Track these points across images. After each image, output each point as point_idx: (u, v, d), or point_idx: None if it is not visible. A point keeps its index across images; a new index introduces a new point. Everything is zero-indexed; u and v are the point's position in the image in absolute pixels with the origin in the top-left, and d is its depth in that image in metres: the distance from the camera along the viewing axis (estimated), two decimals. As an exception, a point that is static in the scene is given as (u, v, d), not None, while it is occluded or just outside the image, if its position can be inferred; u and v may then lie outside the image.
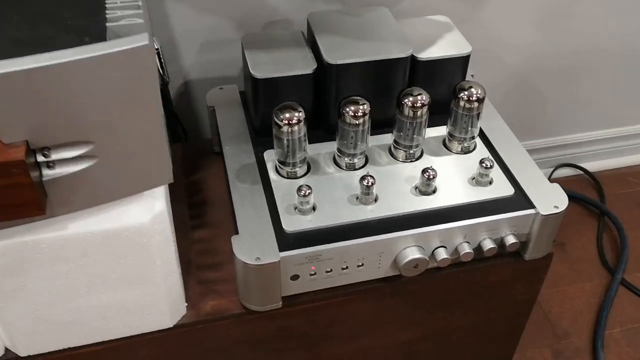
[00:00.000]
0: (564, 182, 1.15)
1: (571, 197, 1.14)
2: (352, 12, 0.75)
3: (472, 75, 0.84)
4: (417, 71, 0.71)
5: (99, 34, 0.43)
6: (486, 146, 0.71)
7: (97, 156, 0.45)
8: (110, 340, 0.60)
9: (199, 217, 0.73)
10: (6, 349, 0.59)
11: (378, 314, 0.69)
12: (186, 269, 0.67)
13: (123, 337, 0.61)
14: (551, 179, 1.16)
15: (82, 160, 0.45)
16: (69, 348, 0.60)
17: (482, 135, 0.73)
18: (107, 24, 0.44)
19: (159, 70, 0.77)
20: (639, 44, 1.04)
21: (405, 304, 0.69)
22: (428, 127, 0.71)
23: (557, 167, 1.17)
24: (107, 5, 0.46)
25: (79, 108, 0.42)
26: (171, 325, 0.61)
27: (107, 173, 0.46)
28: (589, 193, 1.14)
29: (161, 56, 0.77)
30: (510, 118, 1.08)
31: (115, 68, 0.42)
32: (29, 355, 0.59)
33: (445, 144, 0.71)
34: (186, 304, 0.63)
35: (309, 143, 0.70)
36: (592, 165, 1.19)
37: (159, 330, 0.61)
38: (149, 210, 0.52)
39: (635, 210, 1.11)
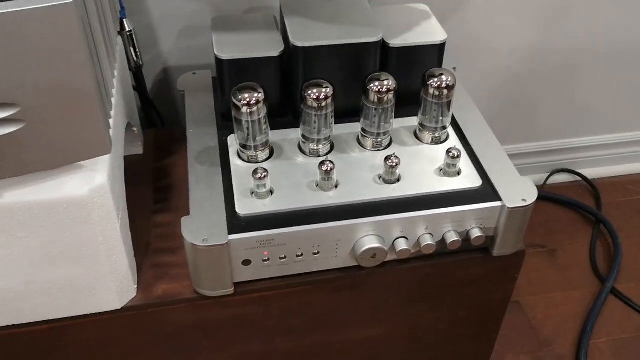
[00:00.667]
0: (560, 188, 1.12)
1: (565, 203, 1.10)
2: (327, -2, 0.73)
3: (454, 68, 0.82)
4: (389, 58, 0.69)
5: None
6: (459, 137, 0.69)
7: (24, 120, 0.44)
8: (55, 320, 0.59)
9: (163, 201, 0.71)
10: (-51, 324, 0.58)
11: (338, 308, 0.66)
12: (143, 252, 0.65)
13: (69, 317, 0.59)
14: (547, 185, 1.12)
15: (7, 124, 0.43)
16: (12, 325, 0.58)
17: (457, 127, 0.71)
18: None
19: (131, 53, 0.76)
20: (633, 47, 1.01)
21: (367, 298, 0.66)
22: (401, 117, 0.69)
23: (553, 172, 1.13)
24: (42, -33, 0.45)
25: (3, 68, 0.41)
26: (119, 307, 0.59)
27: (37, 139, 0.45)
28: (585, 200, 1.10)
29: (134, 39, 0.76)
30: (505, 120, 1.05)
31: (37, 25, 0.40)
32: (-31, 331, 0.58)
33: (417, 135, 0.68)
34: (136, 287, 0.61)
35: (278, 129, 0.68)
36: (590, 172, 1.15)
37: (107, 312, 0.60)
38: (89, 183, 0.50)
39: (632, 219, 1.07)
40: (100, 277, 0.56)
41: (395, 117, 0.68)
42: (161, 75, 0.87)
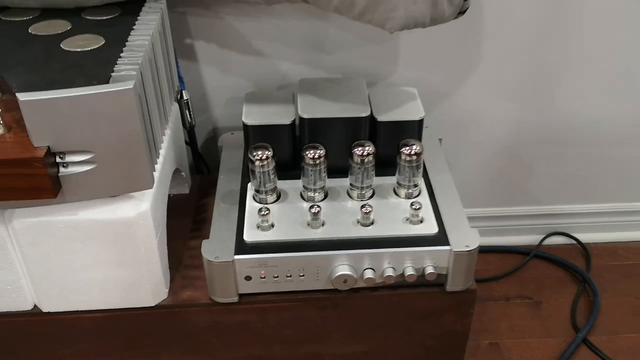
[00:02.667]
0: (555, 249, 1.23)
1: (556, 262, 1.21)
2: (334, 79, 0.92)
3: (440, 139, 0.98)
4: (377, 130, 0.86)
5: (105, 79, 0.62)
6: (429, 194, 0.84)
7: (95, 162, 0.64)
8: (107, 310, 0.78)
9: (197, 230, 0.90)
10: (34, 305, 0.78)
11: (322, 323, 0.82)
12: (177, 266, 0.83)
13: (117, 309, 0.78)
14: (542, 245, 1.23)
15: (86, 164, 0.64)
16: (76, 311, 0.77)
17: (430, 186, 0.86)
18: (112, 74, 0.63)
19: (187, 116, 0.97)
20: (627, 122, 1.12)
21: (346, 318, 0.81)
22: (386, 175, 0.86)
23: (550, 234, 1.24)
24: (117, 62, 0.66)
25: (84, 128, 0.62)
26: (153, 305, 0.78)
27: (103, 175, 0.65)
28: (577, 261, 1.20)
29: (189, 105, 0.97)
30: (503, 185, 1.19)
31: (109, 102, 0.61)
32: (49, 312, 0.77)
33: (395, 190, 0.84)
34: (167, 290, 0.79)
35: (287, 179, 0.86)
36: (585, 236, 1.24)
37: (144, 307, 0.78)
38: (135, 209, 0.69)
39: (618, 281, 1.15)
40: (140, 279, 0.75)
41: (381, 176, 0.85)
42: (210, 133, 1.08)
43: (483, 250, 1.22)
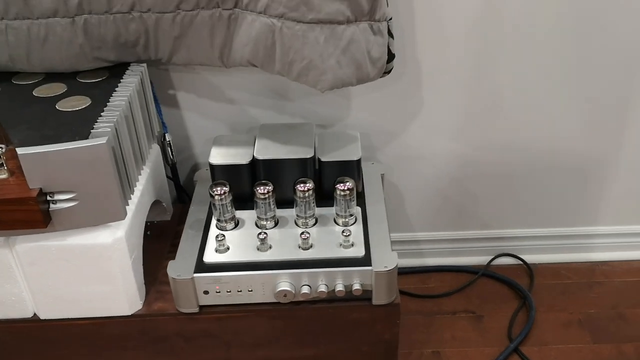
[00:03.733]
0: (503, 269, 1.35)
1: (501, 280, 1.33)
2: (289, 125, 1.07)
3: (382, 175, 1.12)
4: (322, 168, 1.01)
5: (85, 135, 0.79)
6: (363, 222, 0.98)
7: (78, 200, 0.80)
8: (92, 317, 0.93)
9: (173, 252, 1.03)
10: (34, 313, 0.94)
11: (272, 331, 0.96)
12: (152, 282, 0.98)
13: (100, 317, 0.93)
14: (491, 265, 1.36)
15: (70, 201, 0.80)
16: (67, 318, 0.93)
17: (365, 215, 1.00)
18: (92, 130, 0.80)
19: (169, 154, 1.13)
20: (561, 150, 1.24)
21: (291, 327, 0.95)
22: (328, 206, 1.00)
23: (497, 256, 1.36)
24: (97, 120, 0.82)
25: (68, 173, 0.78)
26: (129, 314, 0.93)
27: (84, 210, 0.81)
28: (522, 280, 1.32)
29: (171, 146, 1.13)
30: (448, 210, 1.31)
31: (86, 154, 0.77)
32: (45, 319, 0.93)
33: (334, 219, 0.98)
34: (142, 302, 0.94)
35: (246, 210, 1.00)
36: (530, 257, 1.36)
37: (121, 316, 0.93)
38: (112, 236, 0.85)
39: (556, 298, 1.27)
40: (117, 293, 0.90)
41: (325, 207, 1.00)
42: (192, 168, 1.24)
43: (437, 269, 1.35)
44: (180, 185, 1.19)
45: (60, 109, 0.87)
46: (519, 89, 1.16)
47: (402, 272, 1.34)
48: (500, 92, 1.16)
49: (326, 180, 1.00)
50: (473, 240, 1.36)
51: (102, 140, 0.77)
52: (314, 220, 0.98)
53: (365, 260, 0.91)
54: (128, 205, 0.88)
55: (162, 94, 1.14)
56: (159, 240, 1.07)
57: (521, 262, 1.36)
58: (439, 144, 1.22)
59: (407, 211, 1.32)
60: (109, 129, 0.80)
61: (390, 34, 0.91)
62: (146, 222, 1.06)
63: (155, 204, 1.07)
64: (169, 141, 1.12)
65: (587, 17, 1.08)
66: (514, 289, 1.30)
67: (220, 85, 1.14)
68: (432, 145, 1.22)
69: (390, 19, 0.90)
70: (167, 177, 1.14)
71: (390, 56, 0.93)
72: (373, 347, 0.98)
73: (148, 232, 1.09)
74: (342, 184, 0.95)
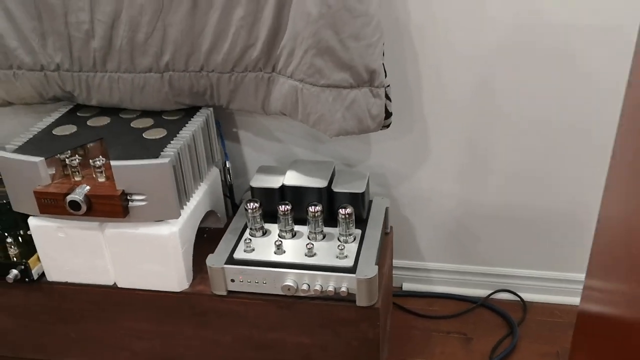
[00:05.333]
0: (501, 303, 1.50)
1: (497, 312, 1.48)
2: (316, 161, 1.33)
3: (387, 207, 1.33)
4: (333, 197, 1.25)
5: (156, 156, 1.10)
6: (359, 241, 1.20)
7: (147, 201, 1.10)
8: (153, 290, 1.23)
9: (219, 251, 1.34)
10: (114, 282, 1.25)
11: (280, 318, 1.20)
12: (199, 271, 1.26)
13: (158, 290, 1.22)
14: (490, 298, 1.51)
15: (142, 201, 1.11)
16: (137, 288, 1.23)
17: (363, 236, 1.22)
18: (161, 152, 1.11)
19: (227, 176, 1.43)
20: (555, 204, 1.39)
21: (295, 317, 1.19)
22: (335, 227, 1.23)
23: (497, 291, 1.51)
24: (167, 146, 1.13)
25: (142, 181, 1.09)
26: (178, 291, 1.22)
27: (151, 208, 1.12)
28: (516, 314, 1.46)
29: (229, 171, 1.43)
30: (454, 246, 1.50)
31: (154, 169, 1.07)
32: (122, 287, 1.24)
33: (338, 237, 1.22)
34: (188, 283, 1.23)
35: (276, 224, 1.27)
36: (529, 296, 1.50)
37: (172, 292, 1.22)
38: (169, 230, 1.15)
39: (543, 332, 1.40)
40: (170, 274, 1.19)
41: (334, 227, 1.23)
42: (246, 189, 1.53)
43: (443, 296, 1.53)
44: (234, 202, 1.49)
45: (145, 137, 1.20)
46: (514, 145, 1.34)
47: (411, 294, 1.54)
48: (498, 147, 1.35)
49: (336, 207, 1.25)
50: (477, 274, 1.52)
51: (166, 160, 1.08)
52: (322, 235, 1.23)
53: (352, 269, 1.14)
54: (183, 209, 1.18)
55: (228, 131, 1.45)
56: (212, 242, 1.35)
57: (518, 299, 1.50)
58: (445, 187, 1.42)
59: (418, 243, 1.52)
60: (173, 153, 1.11)
61: (387, 97, 1.15)
62: (204, 228, 1.37)
63: (212, 214, 1.37)
64: (229, 167, 1.42)
65: (577, 82, 1.26)
66: (507, 320, 1.45)
67: (271, 127, 1.43)
68: (439, 188, 1.43)
69: (388, 86, 1.15)
70: (225, 195, 1.44)
71: (388, 114, 1.17)
72: (360, 343, 1.20)
73: (205, 235, 1.39)
74: (343, 209, 1.19)
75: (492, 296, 1.51)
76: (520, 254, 1.48)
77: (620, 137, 0.87)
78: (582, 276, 1.54)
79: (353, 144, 1.42)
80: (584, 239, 1.43)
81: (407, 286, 1.57)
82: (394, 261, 1.51)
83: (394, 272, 1.53)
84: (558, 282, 1.49)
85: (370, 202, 1.34)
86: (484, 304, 1.50)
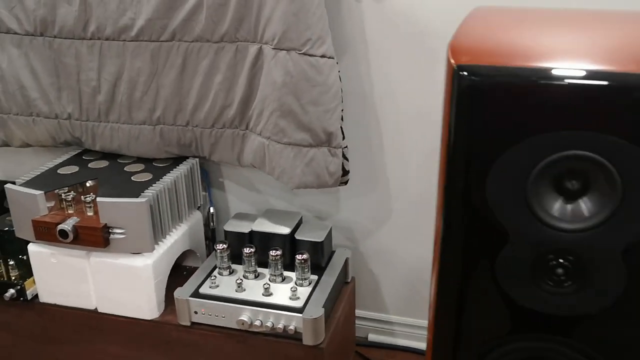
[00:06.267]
0: None
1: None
2: (285, 211, 1.45)
3: (347, 258, 1.43)
4: (296, 244, 1.36)
5: (137, 195, 1.24)
6: (314, 285, 1.30)
7: (126, 234, 1.24)
8: (128, 316, 1.34)
9: (194, 287, 1.45)
10: (95, 307, 1.38)
11: (234, 351, 1.29)
12: (171, 303, 1.38)
13: (132, 317, 1.34)
14: (450, 353, 1.55)
15: (121, 234, 1.25)
16: (113, 314, 1.35)
17: (319, 281, 1.31)
18: (142, 193, 1.25)
19: (209, 220, 1.56)
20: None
21: (248, 350, 1.28)
22: (294, 271, 1.34)
23: None
24: (149, 187, 1.28)
25: (122, 217, 1.23)
26: (149, 319, 1.33)
27: (129, 241, 1.25)
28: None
29: (213, 216, 1.56)
30: (415, 300, 1.56)
31: (133, 207, 1.22)
32: (102, 312, 1.36)
33: (295, 281, 1.32)
34: (159, 313, 1.34)
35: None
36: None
37: (143, 319, 1.33)
38: (143, 262, 1.28)
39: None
40: (142, 302, 1.31)
41: (293, 272, 1.34)
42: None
43: (404, 349, 1.59)
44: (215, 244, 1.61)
45: (133, 180, 1.35)
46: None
47: (375, 345, 1.60)
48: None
49: (297, 253, 1.36)
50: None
51: (143, 200, 1.23)
52: (281, 278, 1.33)
53: (301, 310, 1.23)
54: (158, 244, 1.31)
55: (215, 180, 1.60)
56: (188, 277, 1.48)
57: (476, 356, 1.54)
58: (405, 243, 1.51)
59: (383, 295, 1.59)
60: (151, 194, 1.26)
61: (345, 157, 1.28)
62: (185, 266, 1.50)
63: (192, 253, 1.49)
64: (212, 213, 1.56)
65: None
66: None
67: (253, 180, 1.57)
68: (401, 244, 1.52)
69: (345, 147, 1.28)
70: (206, 237, 1.57)
71: (345, 172, 1.29)
72: (308, 380, 1.27)
73: (185, 272, 1.51)
74: (300, 255, 1.30)
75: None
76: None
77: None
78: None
79: (324, 199, 1.54)
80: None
81: (372, 337, 1.63)
82: (359, 312, 1.59)
83: (360, 322, 1.61)
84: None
85: (333, 252, 1.45)
86: None
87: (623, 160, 0.60)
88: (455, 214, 0.72)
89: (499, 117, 0.64)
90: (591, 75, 0.60)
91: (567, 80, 0.60)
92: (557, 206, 0.65)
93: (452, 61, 0.65)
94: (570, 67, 0.61)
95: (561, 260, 0.67)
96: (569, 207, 0.65)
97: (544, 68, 0.62)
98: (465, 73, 0.64)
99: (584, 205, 0.65)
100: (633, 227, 0.63)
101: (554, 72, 0.61)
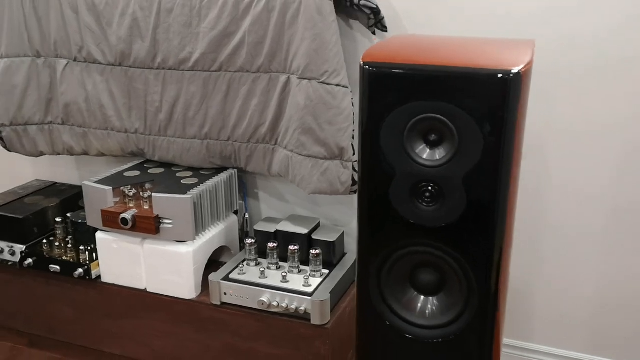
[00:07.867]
0: None
1: None
2: (305, 217, 1.67)
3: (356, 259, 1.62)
4: (312, 243, 1.57)
5: (184, 192, 1.49)
6: (323, 278, 1.49)
7: (173, 224, 1.49)
8: (171, 296, 1.58)
9: (227, 277, 1.68)
10: (145, 287, 1.62)
11: (257, 329, 1.49)
12: (207, 287, 1.61)
13: (174, 296, 1.57)
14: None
15: (168, 224, 1.49)
16: (160, 293, 1.59)
17: (330, 273, 1.51)
18: (188, 191, 1.50)
19: (244, 224, 1.80)
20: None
21: (268, 329, 1.48)
22: (309, 265, 1.54)
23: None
24: (193, 187, 1.53)
25: (171, 209, 1.48)
26: (188, 298, 1.56)
27: (175, 230, 1.50)
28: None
29: (247, 221, 1.80)
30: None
31: (180, 202, 1.47)
32: (151, 292, 1.60)
33: (309, 272, 1.52)
34: (197, 294, 1.57)
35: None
36: None
37: (184, 299, 1.56)
38: (185, 249, 1.52)
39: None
40: (183, 284, 1.55)
41: (307, 265, 1.54)
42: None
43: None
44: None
45: (183, 182, 1.62)
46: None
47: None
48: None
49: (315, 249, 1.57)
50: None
51: (189, 196, 1.48)
52: (297, 270, 1.54)
53: (310, 294, 1.43)
54: (198, 236, 1.56)
55: (251, 190, 1.84)
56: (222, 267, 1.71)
57: None
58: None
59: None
60: (195, 193, 1.51)
61: (354, 169, 1.49)
62: (221, 262, 1.73)
63: (227, 250, 1.73)
64: (247, 218, 1.80)
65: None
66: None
67: (283, 191, 1.81)
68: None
69: (356, 161, 1.49)
70: (240, 237, 1.80)
71: (354, 182, 1.50)
72: (315, 357, 1.45)
73: (220, 267, 1.74)
74: (313, 250, 1.51)
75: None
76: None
77: None
78: (525, 344, 1.71)
79: (341, 209, 1.75)
80: (535, 309, 1.62)
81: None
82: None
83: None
84: (503, 347, 1.66)
85: (345, 254, 1.65)
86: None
87: (458, 120, 1.00)
88: (365, 159, 1.10)
89: (387, 93, 1.04)
90: (439, 68, 1.01)
91: (428, 70, 1.02)
92: (423, 150, 1.05)
93: (361, 62, 1.06)
94: (429, 63, 1.02)
95: (428, 187, 1.03)
96: (430, 151, 1.04)
97: (415, 63, 1.02)
98: (367, 67, 1.05)
99: (439, 150, 1.04)
100: (466, 163, 1.02)
101: (420, 65, 1.02)
